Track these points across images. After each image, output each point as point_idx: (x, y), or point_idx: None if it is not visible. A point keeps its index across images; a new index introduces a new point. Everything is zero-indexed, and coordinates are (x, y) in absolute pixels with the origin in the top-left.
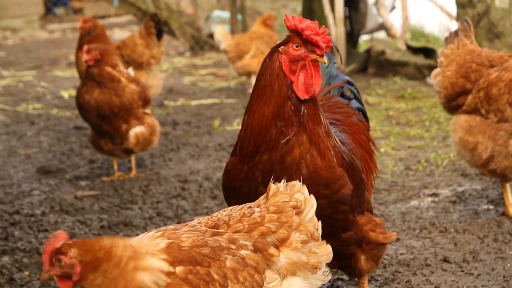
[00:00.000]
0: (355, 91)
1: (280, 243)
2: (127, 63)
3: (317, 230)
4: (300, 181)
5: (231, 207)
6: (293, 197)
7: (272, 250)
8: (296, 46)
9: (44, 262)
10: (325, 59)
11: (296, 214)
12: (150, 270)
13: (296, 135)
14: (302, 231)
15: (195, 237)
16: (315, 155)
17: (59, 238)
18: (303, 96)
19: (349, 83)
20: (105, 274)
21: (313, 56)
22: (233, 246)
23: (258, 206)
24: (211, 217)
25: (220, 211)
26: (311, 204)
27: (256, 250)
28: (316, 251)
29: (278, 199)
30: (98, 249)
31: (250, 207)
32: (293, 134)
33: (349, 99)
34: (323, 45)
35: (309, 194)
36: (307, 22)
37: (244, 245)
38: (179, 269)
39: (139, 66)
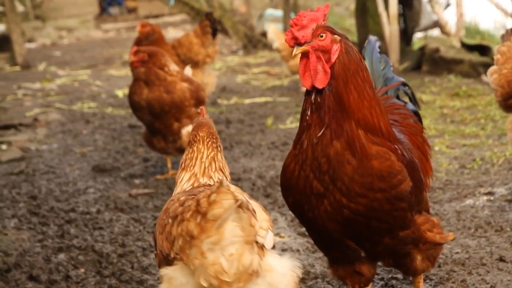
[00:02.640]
0: (410, 93)
1: None
2: (183, 62)
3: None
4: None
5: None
6: (211, 195)
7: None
8: None
9: None
10: (295, 50)
11: (196, 211)
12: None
13: (328, 128)
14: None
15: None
16: (354, 148)
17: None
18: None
19: (404, 84)
20: None
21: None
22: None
23: (210, 189)
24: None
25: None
26: (222, 210)
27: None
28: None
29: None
30: None
31: (205, 186)
32: (325, 127)
33: (405, 102)
34: (289, 36)
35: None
36: (300, 14)
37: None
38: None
39: (194, 65)
